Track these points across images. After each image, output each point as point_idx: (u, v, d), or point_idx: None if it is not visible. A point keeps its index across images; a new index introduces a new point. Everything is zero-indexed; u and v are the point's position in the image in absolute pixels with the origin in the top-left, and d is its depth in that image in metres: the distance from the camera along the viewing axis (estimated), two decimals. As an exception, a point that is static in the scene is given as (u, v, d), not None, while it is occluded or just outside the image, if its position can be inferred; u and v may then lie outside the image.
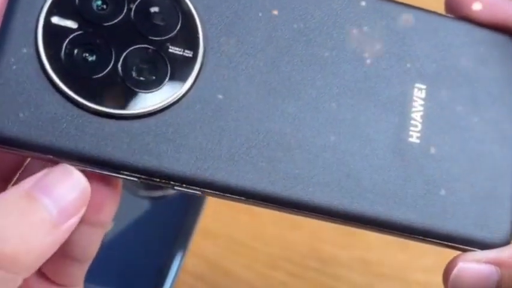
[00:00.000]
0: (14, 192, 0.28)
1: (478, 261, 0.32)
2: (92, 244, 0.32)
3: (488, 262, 0.32)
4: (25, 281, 0.28)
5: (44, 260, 0.28)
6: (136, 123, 0.29)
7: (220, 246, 0.53)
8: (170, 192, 0.51)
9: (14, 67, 0.29)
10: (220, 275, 0.52)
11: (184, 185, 0.30)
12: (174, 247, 0.51)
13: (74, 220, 0.29)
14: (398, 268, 0.53)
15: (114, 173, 0.29)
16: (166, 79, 0.30)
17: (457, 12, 0.34)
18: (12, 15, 0.29)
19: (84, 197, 0.29)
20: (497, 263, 0.32)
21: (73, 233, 0.29)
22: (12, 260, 0.27)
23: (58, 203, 0.28)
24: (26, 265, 0.28)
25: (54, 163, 0.29)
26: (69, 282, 0.33)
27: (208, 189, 0.30)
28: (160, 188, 0.49)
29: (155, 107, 0.30)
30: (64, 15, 0.29)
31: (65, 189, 0.28)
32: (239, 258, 0.52)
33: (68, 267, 0.32)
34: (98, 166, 0.29)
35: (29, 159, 0.33)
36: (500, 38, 0.34)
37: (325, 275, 0.52)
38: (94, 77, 0.29)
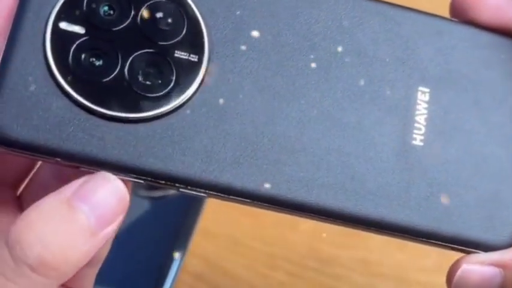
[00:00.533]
0: (55, 199, 0.28)
1: (482, 263, 0.32)
2: (105, 246, 0.32)
3: (492, 264, 0.32)
4: None
5: (79, 268, 0.29)
6: (142, 127, 0.30)
7: (220, 246, 0.53)
8: (170, 192, 0.51)
9: (23, 72, 0.29)
10: (220, 274, 0.52)
11: (189, 187, 0.30)
12: (174, 247, 0.51)
13: (112, 228, 0.29)
14: (398, 268, 0.53)
15: (121, 175, 0.29)
16: (172, 83, 0.30)
17: (462, 16, 0.34)
18: (21, 20, 0.29)
19: (123, 205, 0.29)
20: (501, 265, 0.32)
21: None
22: (52, 267, 0.28)
23: (97, 211, 0.28)
24: (63, 272, 0.28)
25: (62, 166, 0.29)
26: (81, 285, 0.33)
27: (213, 191, 0.30)
28: (160, 188, 0.50)
29: (161, 110, 0.30)
30: (72, 20, 0.29)
31: (104, 197, 0.29)
32: (239, 258, 0.53)
33: (81, 270, 0.32)
34: (104, 169, 0.29)
35: (37, 166, 0.33)
36: (505, 41, 0.34)
37: (325, 275, 0.53)
38: (101, 81, 0.29)
